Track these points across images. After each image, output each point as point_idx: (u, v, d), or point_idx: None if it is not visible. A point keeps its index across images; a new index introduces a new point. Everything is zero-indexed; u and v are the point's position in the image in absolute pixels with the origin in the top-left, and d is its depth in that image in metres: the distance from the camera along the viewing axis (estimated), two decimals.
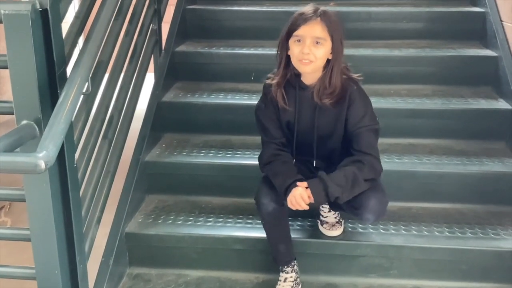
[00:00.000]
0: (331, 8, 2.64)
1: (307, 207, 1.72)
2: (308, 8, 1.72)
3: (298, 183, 1.72)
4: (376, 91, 2.48)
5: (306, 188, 1.71)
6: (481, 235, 2.03)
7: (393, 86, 2.68)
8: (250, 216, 2.15)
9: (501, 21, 2.69)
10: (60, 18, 1.48)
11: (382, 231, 2.06)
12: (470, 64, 2.69)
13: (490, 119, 2.45)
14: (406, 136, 2.48)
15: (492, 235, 2.02)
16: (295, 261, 1.92)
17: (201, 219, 2.14)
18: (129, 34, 2.16)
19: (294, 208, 1.72)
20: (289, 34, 1.72)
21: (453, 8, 2.95)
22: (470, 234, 2.03)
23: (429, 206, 2.23)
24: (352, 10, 2.93)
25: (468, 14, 2.91)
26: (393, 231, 2.05)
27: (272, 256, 1.93)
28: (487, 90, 2.63)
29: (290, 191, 1.73)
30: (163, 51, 2.64)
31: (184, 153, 2.35)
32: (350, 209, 1.80)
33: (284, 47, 1.76)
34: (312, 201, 1.71)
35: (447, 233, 2.04)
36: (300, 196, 1.69)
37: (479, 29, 2.85)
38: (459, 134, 2.47)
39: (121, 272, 2.03)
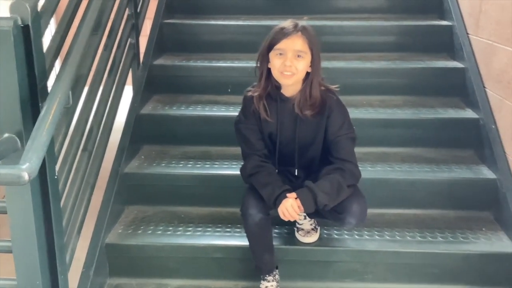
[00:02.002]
0: (305, 22, 2.74)
1: (298, 218, 1.78)
2: (288, 23, 1.80)
3: (288, 195, 1.78)
4: (349, 101, 2.53)
5: (296, 198, 1.77)
6: (451, 239, 2.11)
7: (366, 97, 2.76)
8: (229, 225, 2.19)
9: (467, 34, 2.81)
10: (41, 33, 1.52)
11: (356, 237, 2.12)
12: (439, 75, 2.79)
13: (458, 128, 2.55)
14: (378, 145, 2.56)
15: (461, 239, 2.11)
16: (277, 270, 1.97)
17: (180, 228, 2.17)
18: (107, 48, 2.20)
19: (286, 219, 1.78)
20: (270, 47, 1.79)
21: (422, 22, 3.06)
22: (440, 239, 2.11)
23: (402, 212, 2.30)
24: (326, 24, 3.01)
25: (436, 28, 3.02)
26: (367, 237, 2.12)
27: (255, 265, 1.96)
28: (455, 100, 2.73)
29: (279, 201, 1.78)
30: (141, 65, 2.69)
31: (163, 164, 2.39)
32: (333, 214, 1.86)
33: (264, 60, 1.83)
34: (303, 211, 1.76)
35: (419, 238, 2.11)
36: (291, 207, 1.75)
37: (447, 42, 2.96)
38: (429, 143, 2.56)
39: (101, 282, 2.05)
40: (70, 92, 1.61)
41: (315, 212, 1.84)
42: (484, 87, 2.55)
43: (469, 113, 2.58)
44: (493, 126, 2.38)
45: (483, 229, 2.18)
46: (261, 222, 1.86)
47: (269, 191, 1.82)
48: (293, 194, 1.78)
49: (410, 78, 2.81)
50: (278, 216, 1.81)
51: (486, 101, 2.50)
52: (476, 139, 2.50)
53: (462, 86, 2.73)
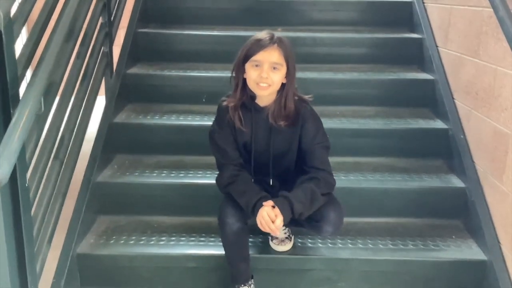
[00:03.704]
0: (279, 33, 2.77)
1: (277, 231, 1.78)
2: (264, 35, 1.81)
3: (264, 203, 1.78)
4: (323, 112, 2.55)
5: (273, 207, 1.77)
6: (422, 246, 2.15)
7: (339, 107, 2.80)
8: (203, 234, 2.18)
9: (437, 46, 2.88)
10: (13, 40, 1.51)
11: (330, 245, 2.14)
12: (409, 87, 2.85)
13: (428, 138, 2.60)
14: (351, 155, 2.59)
15: (432, 247, 2.15)
16: (252, 279, 1.97)
17: (153, 238, 2.16)
18: (80, 56, 2.19)
19: (263, 229, 1.78)
20: (246, 59, 1.80)
21: (393, 34, 3.13)
22: (412, 246, 2.14)
23: (374, 220, 2.33)
24: (299, 36, 3.05)
25: (406, 40, 3.09)
26: (340, 245, 2.14)
27: (231, 274, 1.95)
28: (425, 111, 2.79)
29: (257, 208, 1.79)
30: (114, 73, 2.67)
31: (137, 174, 2.37)
32: (310, 223, 1.88)
33: (240, 70, 1.84)
34: (281, 219, 1.75)
35: (391, 246, 2.15)
36: (267, 216, 1.75)
37: (417, 54, 3.03)
38: (400, 152, 2.60)
39: None
40: (42, 99, 1.59)
41: (292, 221, 1.85)
42: (453, 98, 2.61)
43: (439, 124, 2.64)
44: (462, 136, 2.44)
45: (453, 236, 2.22)
46: (239, 231, 1.86)
47: (246, 199, 1.82)
48: (270, 202, 1.79)
49: (382, 89, 2.86)
50: (254, 225, 1.81)
51: (455, 112, 2.56)
52: (445, 148, 2.55)
53: (432, 97, 2.79)
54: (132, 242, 2.13)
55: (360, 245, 2.15)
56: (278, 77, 1.79)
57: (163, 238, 2.16)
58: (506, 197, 2.02)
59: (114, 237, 2.16)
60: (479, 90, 2.32)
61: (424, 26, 3.04)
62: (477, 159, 2.32)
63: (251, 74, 1.79)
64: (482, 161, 2.27)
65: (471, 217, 2.25)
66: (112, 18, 2.62)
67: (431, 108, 2.79)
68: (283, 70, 1.80)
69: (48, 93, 1.77)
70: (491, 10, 2.04)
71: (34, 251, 1.64)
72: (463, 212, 2.31)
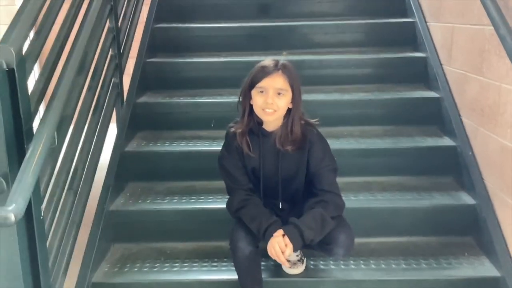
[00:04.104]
0: (284, 57, 2.82)
1: (286, 263, 1.83)
2: (269, 62, 1.86)
3: (274, 234, 1.80)
4: (330, 132, 2.60)
5: (283, 235, 1.79)
6: (434, 265, 2.14)
7: (346, 128, 2.82)
8: (216, 259, 2.20)
9: (441, 64, 2.91)
10: (26, 76, 1.56)
11: (342, 266, 2.15)
12: (416, 105, 2.87)
13: (436, 155, 2.61)
14: (360, 174, 2.60)
15: (445, 265, 2.14)
16: None
17: (167, 265, 2.18)
18: (91, 88, 2.25)
19: (274, 258, 1.80)
20: (252, 85, 1.85)
21: (397, 54, 3.16)
22: (424, 265, 2.14)
23: (386, 240, 2.34)
24: (305, 59, 3.09)
25: (411, 59, 3.12)
26: (353, 266, 2.15)
27: None
28: (432, 129, 2.80)
29: (268, 233, 1.81)
30: (125, 103, 2.73)
31: (148, 201, 2.41)
32: (320, 246, 1.89)
33: (247, 97, 1.88)
34: (291, 248, 1.78)
35: (404, 265, 2.15)
36: (278, 246, 1.77)
37: (422, 73, 3.06)
38: (409, 171, 2.61)
39: None
40: (56, 133, 1.64)
41: (307, 244, 1.86)
42: (459, 115, 2.63)
43: (447, 141, 2.65)
44: (470, 153, 2.45)
45: (466, 254, 2.22)
46: (251, 255, 1.88)
47: (257, 224, 1.85)
48: (280, 231, 1.81)
49: (388, 108, 2.88)
50: (266, 249, 1.84)
51: (462, 129, 2.57)
52: (454, 165, 2.56)
53: (438, 115, 2.80)
54: (146, 269, 2.15)
55: (373, 266, 2.15)
56: (283, 103, 1.83)
57: (176, 265, 2.18)
58: None
59: (128, 265, 2.18)
60: (484, 107, 2.33)
61: (427, 45, 3.07)
62: (486, 176, 2.32)
63: (257, 100, 1.83)
64: (491, 177, 2.28)
65: (483, 233, 2.25)
66: (121, 50, 2.68)
67: (438, 125, 2.81)
68: (288, 95, 1.84)
69: (61, 127, 1.81)
70: (493, 28, 2.07)
71: (50, 281, 1.67)
72: (474, 228, 2.31)
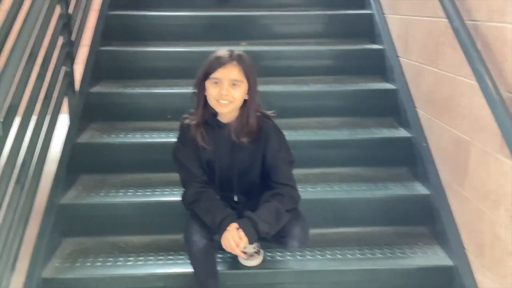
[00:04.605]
0: (242, 48, 2.79)
1: (242, 255, 1.82)
2: (223, 52, 1.82)
3: (228, 227, 1.78)
4: (288, 124, 2.60)
5: (238, 228, 1.77)
6: (389, 255, 2.17)
7: (304, 119, 2.82)
8: (172, 253, 2.16)
9: (397, 56, 2.94)
10: None
11: (299, 257, 2.15)
12: (372, 97, 2.90)
13: (392, 146, 2.64)
14: (318, 166, 2.61)
15: (399, 254, 2.17)
16: None
17: (121, 259, 2.12)
18: (41, 77, 2.15)
19: (229, 250, 1.79)
20: (206, 76, 1.81)
21: (355, 46, 3.18)
22: (379, 255, 2.17)
23: (342, 231, 2.35)
24: (263, 49, 3.07)
25: (368, 51, 3.14)
26: (309, 257, 2.15)
27: None
28: (388, 120, 2.84)
29: (222, 226, 1.78)
30: (77, 93, 2.63)
31: (102, 194, 2.34)
32: (275, 238, 1.88)
33: (201, 88, 1.84)
34: (246, 241, 1.76)
35: (359, 255, 2.17)
36: (232, 239, 1.75)
37: (379, 65, 3.08)
38: (366, 162, 2.63)
39: None
40: (1, 123, 1.56)
41: (262, 237, 1.85)
42: (415, 107, 2.67)
43: (402, 132, 2.69)
44: (425, 144, 2.49)
45: (420, 243, 2.26)
46: (205, 248, 1.85)
47: (211, 217, 1.82)
48: (234, 225, 1.79)
49: (346, 100, 2.90)
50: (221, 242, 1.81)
51: (417, 120, 2.61)
52: (409, 157, 2.60)
53: (394, 107, 2.84)
54: (98, 264, 2.09)
55: (329, 256, 2.16)
56: (238, 94, 1.80)
57: (131, 259, 2.12)
58: (469, 203, 2.06)
59: (80, 260, 2.11)
60: (439, 99, 2.37)
61: (384, 37, 3.10)
62: (440, 166, 2.37)
63: (211, 91, 1.80)
64: (445, 168, 2.32)
65: (436, 223, 2.29)
66: (73, 38, 2.58)
67: (394, 117, 2.84)
68: (244, 86, 1.81)
69: (7, 116, 1.73)
70: (447, 20, 2.10)
71: None
72: (428, 218, 2.35)
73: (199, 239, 1.83)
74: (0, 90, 1.59)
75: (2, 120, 1.62)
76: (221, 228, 1.79)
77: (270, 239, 1.90)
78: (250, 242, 1.78)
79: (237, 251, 1.77)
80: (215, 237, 1.86)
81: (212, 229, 1.82)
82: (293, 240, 1.86)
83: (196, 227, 1.84)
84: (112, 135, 2.60)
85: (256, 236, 1.77)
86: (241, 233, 1.76)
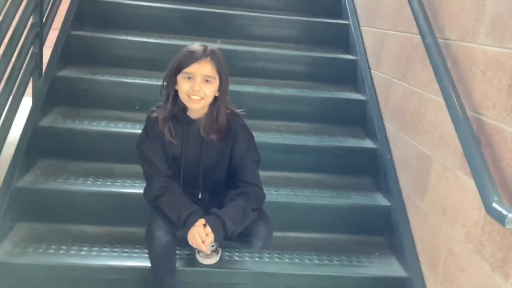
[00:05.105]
0: (218, 45, 2.77)
1: (208, 251, 1.80)
2: (197, 47, 1.79)
3: (196, 223, 1.75)
4: (257, 126, 2.58)
5: (204, 225, 1.75)
6: (346, 262, 2.19)
7: (274, 122, 2.83)
8: (127, 245, 2.11)
9: (369, 68, 2.98)
10: None
11: (257, 259, 2.14)
12: (342, 106, 2.93)
13: (357, 156, 2.67)
14: (283, 170, 2.61)
15: (355, 263, 2.19)
16: None
17: (74, 248, 2.06)
18: (6, 56, 2.09)
19: (195, 247, 1.76)
20: (178, 70, 1.77)
21: (329, 54, 3.21)
22: (336, 262, 2.18)
23: (302, 235, 2.35)
24: (238, 49, 3.06)
25: (341, 61, 3.18)
26: (267, 259, 2.15)
27: None
28: (356, 130, 2.87)
29: (188, 223, 1.75)
30: (43, 75, 2.56)
31: (60, 180, 2.28)
32: (240, 237, 1.87)
33: (172, 81, 1.81)
34: (212, 238, 1.74)
35: (316, 261, 2.17)
36: (198, 235, 1.72)
37: (351, 75, 3.12)
38: (330, 169, 2.65)
39: None
40: None
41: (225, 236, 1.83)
42: (382, 119, 2.70)
43: (368, 143, 2.72)
44: (389, 156, 2.53)
45: (376, 253, 2.28)
46: (167, 244, 1.81)
47: (177, 213, 1.78)
48: (201, 221, 1.76)
49: (316, 106, 2.92)
50: (180, 238, 1.79)
51: (383, 132, 2.65)
52: (373, 167, 2.63)
53: (363, 117, 2.87)
54: (51, 251, 2.03)
55: (287, 260, 2.16)
56: (210, 90, 1.78)
57: (85, 248, 2.07)
58: (427, 217, 2.10)
59: (32, 246, 2.05)
60: (406, 113, 2.41)
61: (358, 48, 3.14)
62: (401, 179, 2.40)
63: (183, 86, 1.77)
64: (406, 181, 2.36)
65: (394, 234, 2.32)
66: (44, 19, 2.51)
67: (362, 127, 2.88)
68: (216, 83, 1.79)
69: None
70: (420, 36, 2.13)
71: None
72: (387, 229, 2.38)
73: (162, 235, 1.78)
74: None
75: None
76: (187, 224, 1.75)
77: (234, 238, 1.88)
78: (217, 239, 1.76)
79: (202, 247, 1.74)
80: (179, 233, 1.82)
81: (177, 225, 1.79)
82: (258, 240, 1.85)
83: (160, 222, 1.80)
84: (76, 121, 2.54)
85: (222, 233, 1.75)
86: (208, 229, 1.73)
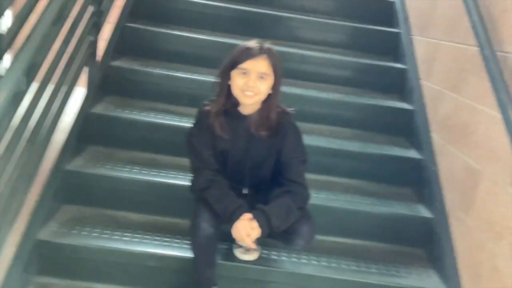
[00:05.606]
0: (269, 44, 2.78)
1: (253, 245, 1.80)
2: (254, 44, 1.82)
3: (241, 217, 1.77)
4: (302, 128, 2.58)
5: (250, 219, 1.77)
6: (384, 271, 2.16)
7: (318, 125, 2.82)
8: (168, 235, 2.15)
9: (419, 78, 2.94)
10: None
11: (294, 260, 2.14)
12: (388, 114, 2.90)
13: (401, 166, 2.64)
14: (324, 173, 2.60)
15: (393, 272, 2.16)
16: (216, 287, 1.93)
17: (117, 233, 2.11)
18: (66, 41, 2.16)
19: (239, 241, 1.80)
20: (233, 66, 1.80)
21: (378, 62, 3.18)
22: (374, 270, 2.16)
23: (341, 240, 2.34)
24: (287, 51, 3.06)
25: (390, 69, 3.14)
26: (304, 261, 2.14)
27: (195, 279, 1.90)
28: (400, 139, 2.83)
29: (234, 216, 1.78)
30: (98, 63, 2.63)
31: (108, 166, 2.33)
32: (282, 235, 1.88)
33: (226, 76, 1.83)
34: (258, 233, 1.76)
35: (354, 267, 2.16)
36: (244, 229, 1.75)
37: (399, 84, 3.08)
38: (372, 177, 2.63)
39: (29, 280, 1.95)
40: (25, 78, 1.56)
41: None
42: (429, 130, 2.66)
43: (413, 153, 2.68)
44: (434, 168, 2.49)
45: (415, 265, 2.25)
46: (212, 236, 1.83)
47: (223, 205, 1.81)
48: (248, 215, 1.78)
49: (361, 113, 2.90)
50: (226, 232, 1.81)
51: (430, 144, 2.61)
52: (416, 178, 2.59)
53: (408, 127, 2.84)
54: (95, 234, 2.08)
55: (324, 263, 2.15)
56: (264, 87, 1.80)
57: (127, 234, 2.12)
58: (470, 232, 2.05)
59: (77, 228, 2.11)
60: (455, 125, 2.37)
61: (408, 57, 3.10)
62: (446, 192, 2.36)
63: (238, 81, 1.79)
64: (451, 194, 2.31)
65: (435, 247, 2.28)
66: (102, 8, 2.59)
67: (407, 137, 2.84)
68: (270, 80, 1.81)
69: (30, 74, 1.73)
70: (476, 48, 2.10)
71: None
72: (427, 241, 2.34)
73: (207, 227, 1.80)
74: (27, 46, 1.59)
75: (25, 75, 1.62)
76: (233, 217, 1.78)
77: (276, 235, 1.89)
78: (262, 235, 1.77)
79: (247, 241, 1.76)
80: (222, 227, 1.85)
81: (223, 218, 1.81)
82: (300, 239, 1.85)
83: (205, 214, 1.82)
84: (126, 111, 2.59)
85: (268, 229, 1.76)
86: (254, 224, 1.75)
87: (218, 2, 3.29)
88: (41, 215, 2.03)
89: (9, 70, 1.46)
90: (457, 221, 2.20)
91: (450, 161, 2.37)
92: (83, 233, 2.09)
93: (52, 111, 2.04)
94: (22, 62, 1.52)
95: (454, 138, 2.37)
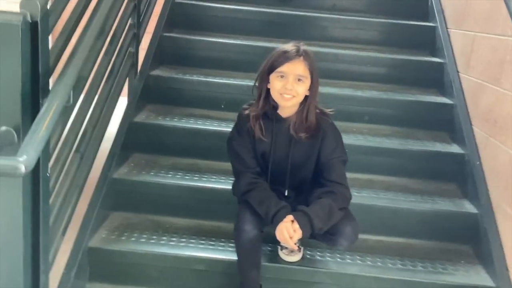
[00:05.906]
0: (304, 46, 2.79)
1: (295, 247, 1.85)
2: (290, 47, 1.84)
3: (284, 219, 1.80)
4: (340, 127, 2.57)
5: (292, 221, 1.79)
6: (430, 269, 2.14)
7: (356, 124, 2.81)
8: (213, 238, 2.19)
9: (458, 72, 2.89)
10: (48, 31, 1.54)
11: (339, 260, 2.15)
12: (428, 109, 2.86)
13: (443, 161, 2.60)
14: (365, 172, 2.59)
15: (440, 270, 2.14)
16: None
17: (164, 238, 2.17)
18: (108, 54, 2.23)
19: (282, 242, 1.83)
20: (271, 69, 1.83)
21: (414, 57, 3.14)
22: (420, 268, 2.14)
23: (384, 239, 2.33)
24: (321, 51, 3.05)
25: (428, 64, 3.10)
26: (349, 261, 2.15)
27: (240, 281, 1.93)
28: (442, 134, 2.79)
29: (277, 218, 1.81)
30: (138, 74, 2.71)
31: (152, 173, 2.40)
32: (325, 236, 1.89)
33: (264, 80, 1.86)
34: (300, 234, 1.78)
35: (400, 265, 2.15)
36: (286, 231, 1.77)
37: (437, 78, 3.04)
38: (414, 174, 2.61)
39: (80, 286, 2.03)
40: (72, 91, 1.62)
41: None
42: (471, 124, 2.62)
43: (455, 148, 2.64)
44: (478, 162, 2.44)
45: (462, 261, 2.22)
46: (255, 238, 1.86)
47: (266, 207, 1.84)
48: (290, 217, 1.80)
49: (400, 109, 2.87)
50: (266, 234, 1.83)
51: (472, 138, 2.56)
52: (460, 173, 2.55)
53: (449, 122, 2.79)
54: (143, 240, 2.15)
55: (369, 262, 2.15)
56: (302, 89, 1.82)
57: (174, 239, 2.17)
58: None
59: (125, 234, 2.18)
60: (498, 118, 2.32)
61: (446, 51, 3.05)
62: (491, 187, 2.32)
63: (276, 84, 1.82)
64: (496, 189, 2.27)
65: (482, 243, 2.24)
66: (140, 20, 2.66)
67: (448, 132, 2.80)
68: (307, 82, 1.83)
69: (76, 87, 1.80)
70: None
71: (48, 239, 1.66)
72: (474, 238, 2.30)
73: (250, 229, 1.84)
74: (74, 60, 1.65)
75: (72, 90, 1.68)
76: (275, 219, 1.80)
77: (319, 236, 1.91)
78: (304, 236, 1.80)
79: (290, 243, 1.79)
80: (265, 229, 1.87)
81: (265, 220, 1.84)
82: (343, 239, 1.86)
83: (248, 216, 1.86)
84: (166, 118, 2.66)
85: (310, 230, 1.78)
86: (296, 225, 1.77)
87: (250, 6, 3.32)
88: (91, 223, 2.10)
89: (57, 85, 1.52)
90: (504, 216, 2.16)
91: (493, 154, 2.33)
92: (132, 239, 2.15)
93: (98, 122, 2.11)
94: (70, 77, 1.58)
95: (497, 132, 2.32)
